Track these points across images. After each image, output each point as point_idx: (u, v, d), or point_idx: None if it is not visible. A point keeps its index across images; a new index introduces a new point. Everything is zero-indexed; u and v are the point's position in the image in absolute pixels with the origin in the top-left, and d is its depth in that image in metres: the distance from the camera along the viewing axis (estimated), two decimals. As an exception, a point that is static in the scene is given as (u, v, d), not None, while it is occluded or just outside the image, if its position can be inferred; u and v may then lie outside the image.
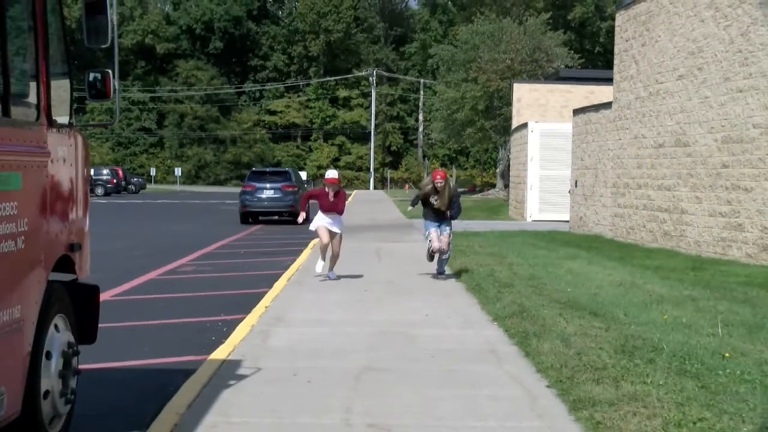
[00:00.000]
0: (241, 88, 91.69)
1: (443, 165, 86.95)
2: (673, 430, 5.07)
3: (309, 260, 15.22)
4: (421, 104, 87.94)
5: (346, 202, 13.15)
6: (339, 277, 12.50)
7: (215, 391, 6.08)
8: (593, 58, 73.88)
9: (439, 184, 12.55)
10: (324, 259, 12.60)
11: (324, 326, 8.77)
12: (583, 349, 7.21)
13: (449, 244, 12.86)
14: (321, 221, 12.55)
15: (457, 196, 12.90)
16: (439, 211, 12.66)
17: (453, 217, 12.88)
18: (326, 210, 12.46)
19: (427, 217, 12.89)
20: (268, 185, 27.46)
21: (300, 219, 13.11)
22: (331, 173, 12.86)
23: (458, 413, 5.59)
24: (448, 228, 12.85)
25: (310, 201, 13.19)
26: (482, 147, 59.42)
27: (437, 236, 12.62)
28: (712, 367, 6.54)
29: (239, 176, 76.49)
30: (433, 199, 12.63)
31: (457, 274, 12.97)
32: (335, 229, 12.50)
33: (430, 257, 12.95)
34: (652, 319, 8.73)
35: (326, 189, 12.52)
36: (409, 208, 14.40)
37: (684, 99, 17.18)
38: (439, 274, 12.90)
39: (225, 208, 38.39)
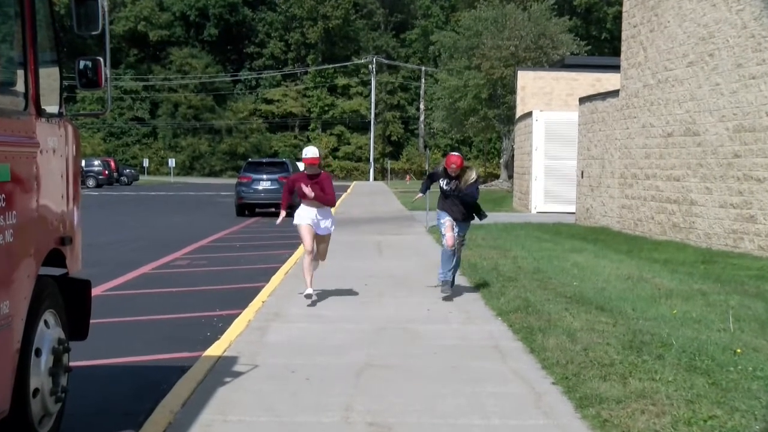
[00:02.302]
0: (236, 76, 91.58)
1: (445, 155, 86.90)
2: (682, 429, 5.06)
3: (307, 254, 15.22)
4: (422, 93, 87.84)
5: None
6: (315, 302, 9.85)
7: (211, 389, 6.08)
8: (600, 44, 73.74)
9: (453, 171, 10.34)
10: (310, 279, 9.97)
11: (323, 322, 8.76)
12: (589, 345, 7.22)
13: (460, 246, 10.74)
14: (304, 216, 10.00)
15: (474, 187, 10.51)
16: (451, 199, 10.46)
17: (464, 198, 10.43)
18: (305, 199, 9.95)
19: (440, 206, 10.72)
20: (264, 177, 27.44)
21: (279, 220, 10.42)
22: (310, 151, 9.93)
23: (461, 411, 5.59)
24: (462, 229, 10.69)
25: (294, 191, 10.25)
26: (485, 137, 59.42)
27: (452, 229, 10.45)
28: (723, 364, 6.53)
29: (235, 167, 76.51)
30: (443, 183, 10.49)
31: (460, 269, 12.95)
32: (323, 229, 10.05)
33: (447, 251, 10.65)
34: (661, 314, 8.73)
35: (305, 172, 10.06)
36: (418, 195, 11.85)
37: (694, 86, 17.15)
38: (443, 284, 10.51)
39: (220, 200, 38.38)
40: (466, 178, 10.37)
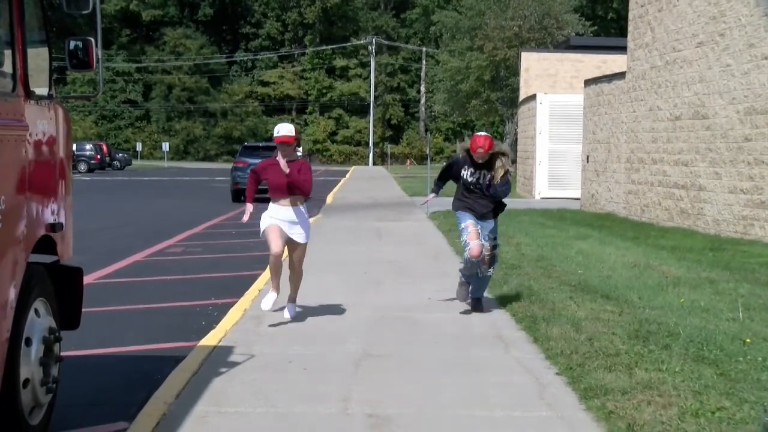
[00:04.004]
0: (232, 57, 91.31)
1: (447, 139, 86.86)
2: (689, 420, 5.07)
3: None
4: (423, 75, 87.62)
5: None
6: (295, 315, 8.33)
7: (205, 379, 6.09)
8: (606, 25, 73.45)
9: (481, 158, 8.23)
10: (277, 286, 8.25)
11: (320, 310, 8.76)
12: (594, 335, 7.23)
13: (494, 257, 8.58)
14: (272, 216, 8.10)
15: (507, 182, 8.44)
16: (477, 193, 8.40)
17: (495, 197, 8.44)
18: (278, 192, 8.07)
19: (458, 205, 8.57)
20: (260, 161, 27.44)
21: (246, 216, 8.28)
22: (284, 127, 8.11)
23: (463, 402, 5.60)
24: (490, 228, 8.51)
25: (260, 181, 8.43)
26: (488, 120, 59.23)
27: (477, 235, 8.35)
28: (731, 354, 6.54)
29: (230, 151, 76.38)
30: (466, 173, 8.40)
31: (462, 256, 12.96)
32: (295, 234, 8.11)
33: (469, 269, 8.54)
34: (668, 303, 8.74)
35: (276, 157, 8.08)
36: (428, 197, 9.45)
37: (703, 68, 17.10)
38: (476, 301, 8.72)
39: (215, 186, 38.37)
40: (499, 167, 8.28)
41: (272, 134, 8.19)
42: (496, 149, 8.30)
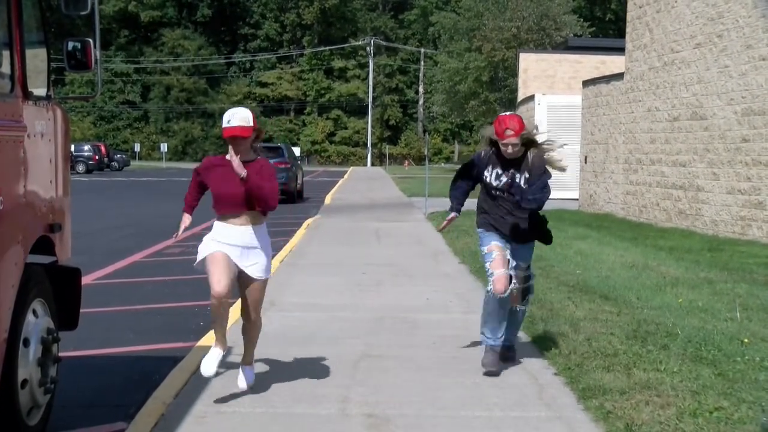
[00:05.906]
0: (230, 58, 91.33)
1: (445, 140, 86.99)
2: (688, 420, 5.07)
3: (302, 241, 15.22)
4: (421, 75, 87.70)
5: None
6: (250, 387, 5.85)
7: (204, 380, 6.06)
8: (604, 26, 73.55)
9: (511, 145, 6.06)
10: (222, 340, 5.76)
11: (319, 311, 8.76)
12: (593, 335, 7.23)
13: (529, 289, 6.65)
14: (218, 240, 5.67)
15: (542, 170, 6.22)
16: (507, 204, 6.28)
17: (532, 204, 6.15)
18: (228, 206, 5.64)
19: (482, 220, 6.50)
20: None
21: (180, 231, 6.12)
22: (237, 116, 5.57)
23: (462, 402, 5.60)
24: (522, 259, 6.44)
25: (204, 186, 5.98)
26: (486, 121, 59.35)
27: (504, 262, 6.27)
28: (729, 354, 6.55)
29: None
30: (490, 175, 6.29)
31: (461, 257, 12.97)
32: (251, 266, 5.66)
33: (491, 308, 6.40)
34: (666, 303, 8.75)
35: (227, 156, 5.65)
36: (451, 216, 6.68)
37: (701, 69, 17.11)
38: (507, 349, 6.56)
39: (214, 186, 38.32)
40: (535, 160, 6.17)
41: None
42: (529, 136, 6.14)
